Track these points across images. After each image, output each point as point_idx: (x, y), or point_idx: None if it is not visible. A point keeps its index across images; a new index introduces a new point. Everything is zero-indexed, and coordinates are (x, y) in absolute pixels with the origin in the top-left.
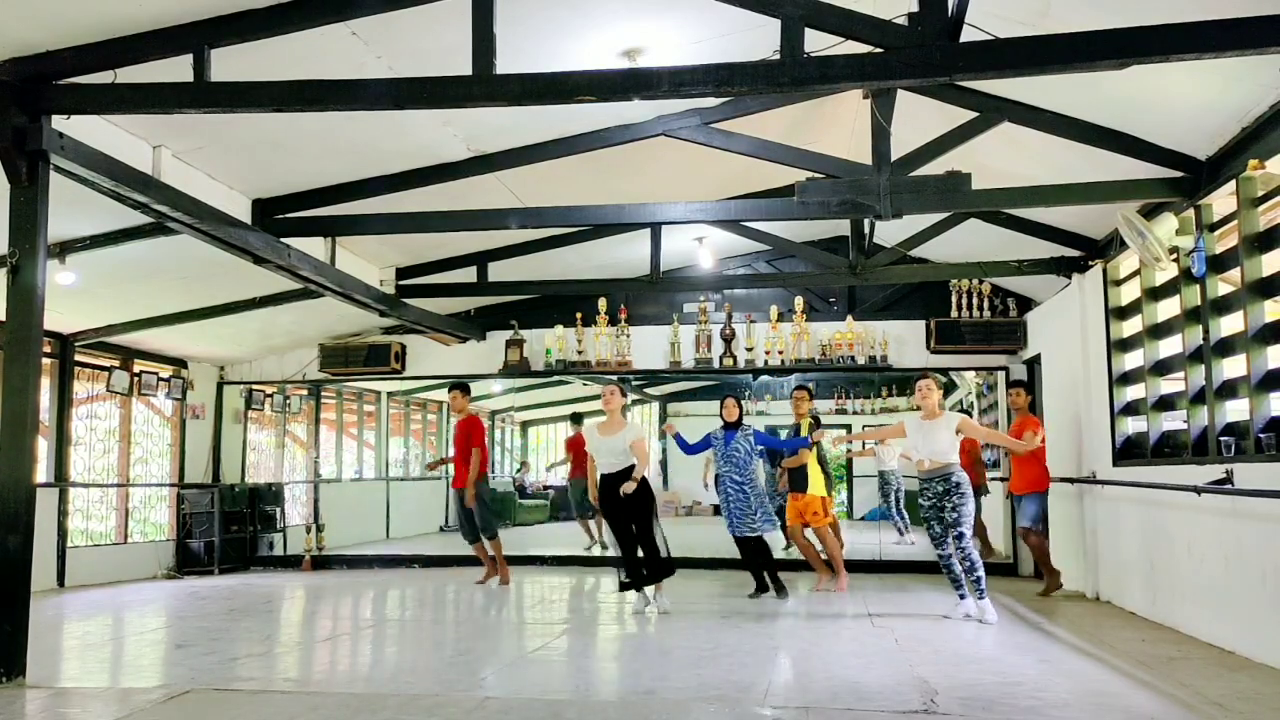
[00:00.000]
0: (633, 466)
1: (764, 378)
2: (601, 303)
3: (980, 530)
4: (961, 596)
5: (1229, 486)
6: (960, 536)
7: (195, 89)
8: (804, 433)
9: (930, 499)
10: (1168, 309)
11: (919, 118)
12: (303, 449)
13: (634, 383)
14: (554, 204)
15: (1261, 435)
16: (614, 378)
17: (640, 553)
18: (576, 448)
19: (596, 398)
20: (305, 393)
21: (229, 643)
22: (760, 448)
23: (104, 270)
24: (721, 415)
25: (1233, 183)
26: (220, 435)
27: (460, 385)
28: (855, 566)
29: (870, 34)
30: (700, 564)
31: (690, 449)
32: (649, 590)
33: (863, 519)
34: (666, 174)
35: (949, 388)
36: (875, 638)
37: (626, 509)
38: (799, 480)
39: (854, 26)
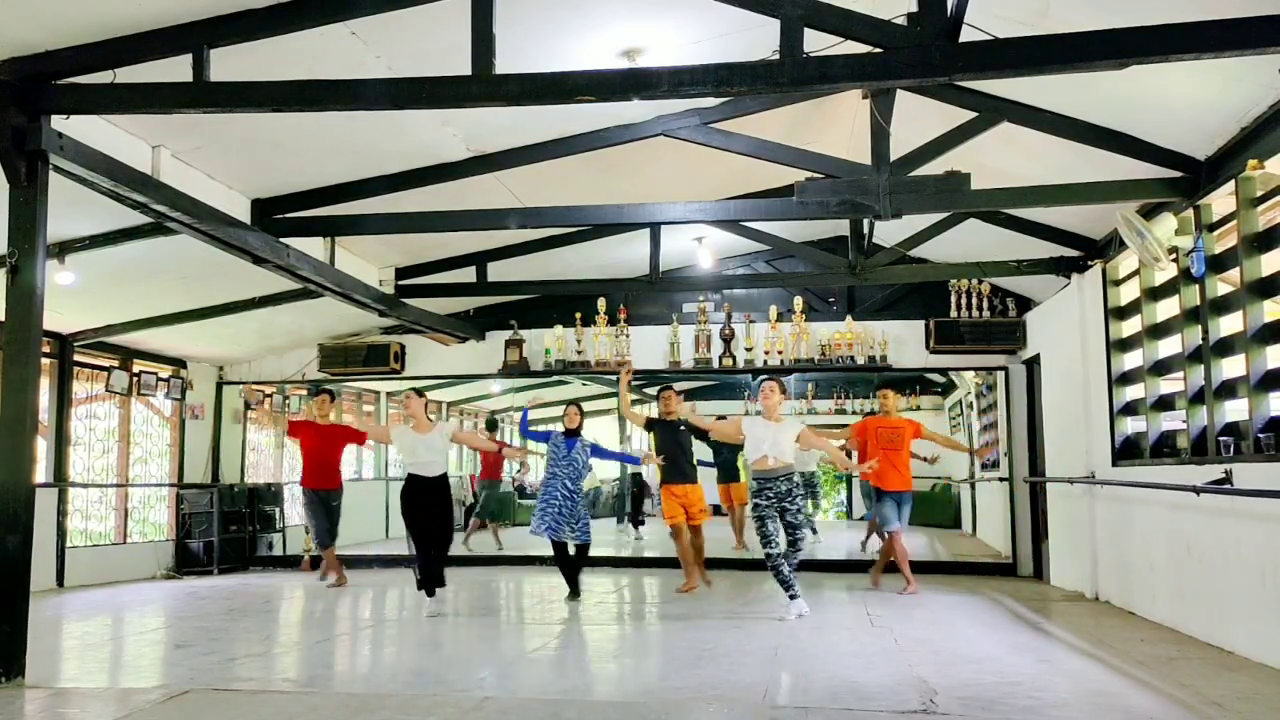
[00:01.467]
0: (445, 475)
1: (763, 377)
2: (601, 303)
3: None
4: (793, 597)
5: (1228, 486)
6: (802, 539)
7: (194, 89)
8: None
9: (770, 498)
10: (1167, 309)
11: (918, 118)
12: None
13: (633, 383)
14: (553, 204)
15: (1260, 435)
16: (416, 388)
17: (434, 554)
18: (485, 453)
19: (597, 397)
20: (305, 393)
21: (228, 643)
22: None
23: (103, 270)
24: (563, 421)
25: (1232, 183)
26: (219, 435)
27: (330, 391)
28: (854, 567)
29: (869, 34)
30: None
31: (529, 432)
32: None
33: (862, 519)
34: (666, 174)
35: (948, 388)
36: (874, 638)
37: (431, 512)
38: (691, 471)
39: (853, 26)
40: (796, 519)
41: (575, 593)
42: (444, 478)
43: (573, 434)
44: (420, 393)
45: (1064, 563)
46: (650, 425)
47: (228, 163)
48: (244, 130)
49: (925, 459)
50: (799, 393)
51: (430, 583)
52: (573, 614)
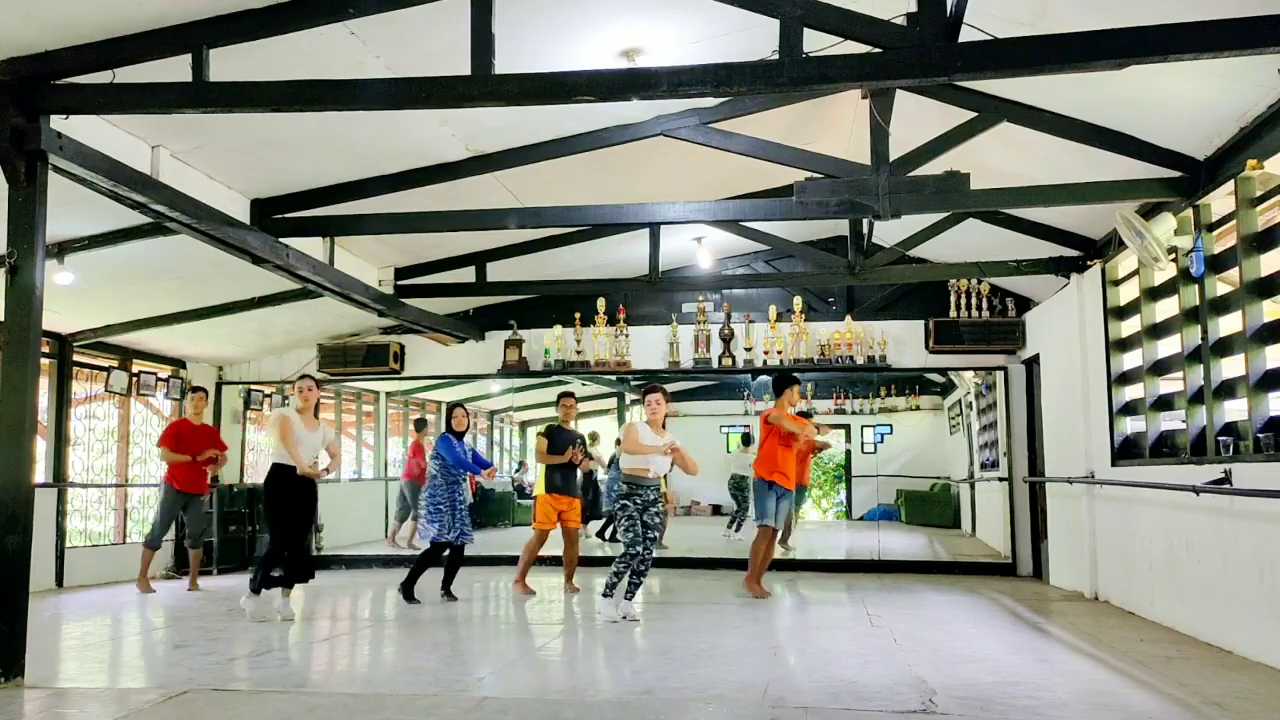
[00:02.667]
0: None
1: (762, 378)
2: (600, 303)
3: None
4: (629, 597)
5: (1227, 486)
6: (656, 541)
7: (194, 89)
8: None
9: (639, 504)
10: (1166, 309)
11: (917, 118)
12: None
13: (632, 383)
14: (553, 204)
15: (1260, 435)
16: (312, 375)
17: (289, 552)
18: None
19: (595, 397)
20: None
21: (227, 643)
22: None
23: (102, 270)
24: (450, 424)
25: (1231, 183)
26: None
27: (204, 388)
28: (854, 567)
29: (868, 34)
30: (698, 564)
31: (457, 460)
32: (280, 592)
33: (862, 519)
34: (665, 174)
35: (947, 388)
36: (874, 638)
37: (307, 508)
38: (573, 486)
39: (852, 26)
40: (654, 520)
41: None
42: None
43: (461, 435)
44: (320, 384)
45: (1063, 562)
46: (548, 432)
47: (227, 163)
48: (243, 130)
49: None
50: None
51: (296, 577)
52: (571, 614)
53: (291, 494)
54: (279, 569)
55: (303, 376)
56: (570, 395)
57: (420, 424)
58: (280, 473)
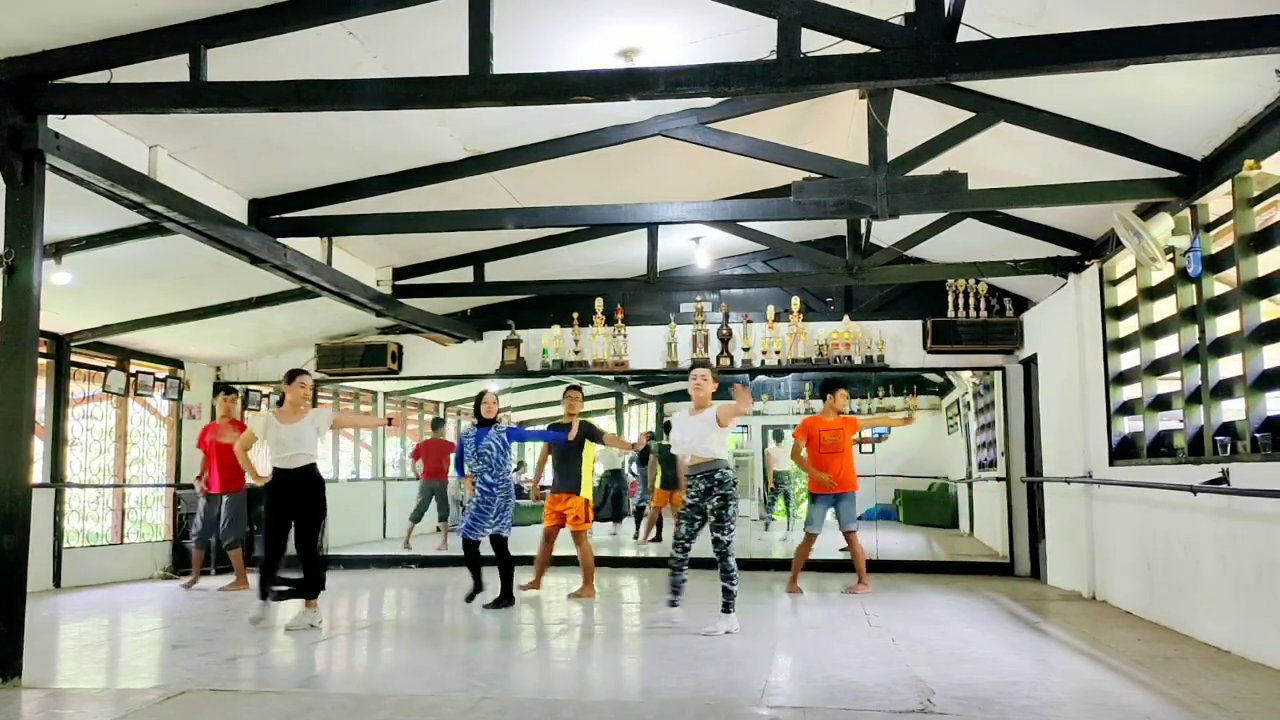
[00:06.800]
0: (309, 467)
1: (761, 377)
2: (598, 303)
3: None
4: (672, 604)
5: (1225, 486)
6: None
7: (191, 89)
8: (572, 434)
9: (694, 496)
10: (1164, 309)
11: (915, 118)
12: None
13: (631, 383)
14: (550, 204)
15: (1257, 435)
16: (306, 372)
17: (300, 560)
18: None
19: (595, 397)
20: None
21: (225, 643)
22: (513, 444)
23: (100, 270)
24: (479, 412)
25: (1229, 183)
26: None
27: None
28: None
29: (866, 34)
30: (698, 564)
31: (459, 465)
32: (301, 606)
33: (860, 518)
34: (663, 174)
35: (945, 388)
36: (872, 638)
37: (297, 508)
38: (571, 481)
39: (850, 26)
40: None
41: (510, 598)
42: (308, 469)
43: (486, 424)
44: (303, 373)
45: (1061, 562)
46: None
47: (225, 163)
48: (241, 130)
49: None
50: (796, 393)
51: (286, 593)
52: (570, 614)
53: (274, 498)
54: (285, 575)
55: (295, 371)
56: (575, 388)
57: (436, 423)
58: (272, 476)
